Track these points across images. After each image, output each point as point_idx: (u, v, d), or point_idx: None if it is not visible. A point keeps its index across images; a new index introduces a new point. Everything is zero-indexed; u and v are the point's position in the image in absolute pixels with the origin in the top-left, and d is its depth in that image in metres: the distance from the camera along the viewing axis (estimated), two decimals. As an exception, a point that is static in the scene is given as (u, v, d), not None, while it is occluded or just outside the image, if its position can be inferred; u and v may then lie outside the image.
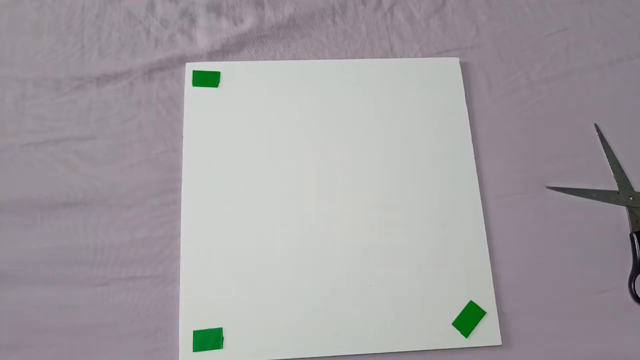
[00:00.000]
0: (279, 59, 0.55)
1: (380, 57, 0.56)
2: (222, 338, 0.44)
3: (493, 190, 0.51)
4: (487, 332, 0.46)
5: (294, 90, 0.53)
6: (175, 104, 0.52)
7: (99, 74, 0.52)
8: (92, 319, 0.45)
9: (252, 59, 0.55)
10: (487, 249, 0.49)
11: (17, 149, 0.50)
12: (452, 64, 0.55)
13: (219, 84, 0.52)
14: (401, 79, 0.54)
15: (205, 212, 0.48)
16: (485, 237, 0.49)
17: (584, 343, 0.47)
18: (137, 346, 0.44)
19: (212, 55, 0.54)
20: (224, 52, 0.54)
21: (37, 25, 0.54)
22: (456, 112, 0.53)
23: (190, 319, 0.45)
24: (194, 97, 0.52)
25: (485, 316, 0.46)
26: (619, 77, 0.56)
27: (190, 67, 0.53)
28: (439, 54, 0.56)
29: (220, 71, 0.53)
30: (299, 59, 0.55)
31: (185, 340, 0.44)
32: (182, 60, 0.53)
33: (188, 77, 0.52)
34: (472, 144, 0.52)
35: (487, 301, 0.47)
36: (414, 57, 0.56)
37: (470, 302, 0.47)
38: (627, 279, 0.49)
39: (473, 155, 0.52)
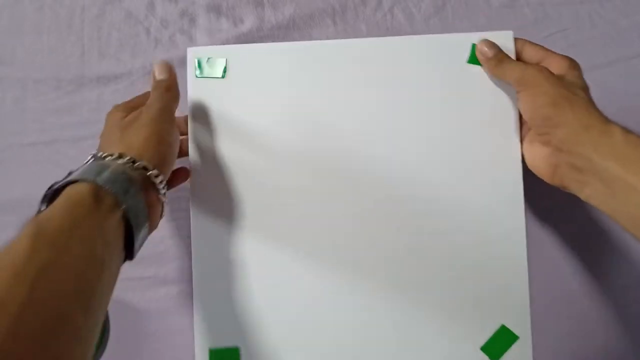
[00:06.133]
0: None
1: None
2: (239, 358, 0.42)
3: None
4: (517, 358, 0.42)
5: (313, 73, 0.45)
6: (175, 104, 0.52)
7: (100, 74, 0.52)
8: (92, 319, 0.45)
9: (252, 59, 0.55)
10: (526, 265, 0.43)
11: (17, 149, 0.50)
12: (505, 38, 0.44)
13: (226, 73, 0.45)
14: (441, 57, 0.45)
15: (215, 218, 0.44)
16: (525, 252, 0.43)
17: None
18: (136, 346, 0.44)
19: (212, 56, 0.54)
20: (224, 52, 0.54)
21: (37, 25, 0.54)
22: (504, 102, 0.44)
23: (206, 336, 0.42)
24: (198, 90, 0.46)
25: (517, 341, 0.43)
26: (619, 77, 0.56)
27: (193, 53, 0.46)
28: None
29: (227, 58, 0.46)
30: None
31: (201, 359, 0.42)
32: (183, 60, 0.53)
33: (190, 65, 0.46)
34: (519, 142, 0.44)
35: (520, 324, 0.43)
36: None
37: (502, 326, 0.43)
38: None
39: (520, 157, 0.44)
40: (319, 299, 0.43)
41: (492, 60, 0.43)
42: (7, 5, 0.54)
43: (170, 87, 0.41)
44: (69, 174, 0.33)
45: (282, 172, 0.44)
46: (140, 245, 0.34)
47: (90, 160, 0.35)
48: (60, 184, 0.32)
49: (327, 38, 0.56)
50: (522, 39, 0.44)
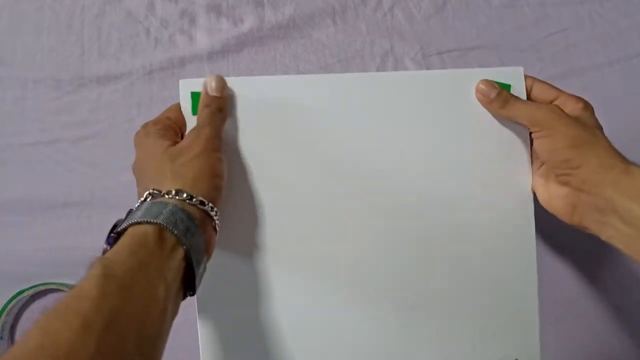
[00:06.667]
0: (279, 59, 0.55)
1: (381, 57, 0.56)
2: None
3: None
4: None
5: (320, 107, 0.43)
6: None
7: (99, 74, 0.52)
8: (92, 319, 0.45)
9: (252, 59, 0.55)
10: (537, 296, 0.42)
11: (17, 149, 0.50)
12: (515, 75, 0.43)
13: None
14: (454, 94, 0.43)
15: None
16: (537, 289, 0.42)
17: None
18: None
19: (212, 56, 0.54)
20: (224, 52, 0.54)
21: (37, 25, 0.54)
22: (517, 136, 0.43)
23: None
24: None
25: None
26: (619, 77, 0.57)
27: (186, 86, 0.42)
28: (439, 54, 0.56)
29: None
30: (299, 59, 0.55)
31: None
32: (183, 60, 0.53)
33: (185, 100, 0.42)
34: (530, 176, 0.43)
35: (530, 355, 0.42)
36: (414, 56, 0.55)
37: None
38: None
39: (531, 192, 0.42)
40: (325, 314, 0.42)
41: (496, 101, 0.40)
42: (7, 5, 0.54)
43: (222, 108, 0.39)
44: (129, 212, 0.33)
45: (291, 199, 0.43)
46: (201, 280, 0.34)
47: (149, 199, 0.34)
48: (122, 226, 0.32)
49: (327, 37, 0.56)
50: (531, 76, 0.42)
